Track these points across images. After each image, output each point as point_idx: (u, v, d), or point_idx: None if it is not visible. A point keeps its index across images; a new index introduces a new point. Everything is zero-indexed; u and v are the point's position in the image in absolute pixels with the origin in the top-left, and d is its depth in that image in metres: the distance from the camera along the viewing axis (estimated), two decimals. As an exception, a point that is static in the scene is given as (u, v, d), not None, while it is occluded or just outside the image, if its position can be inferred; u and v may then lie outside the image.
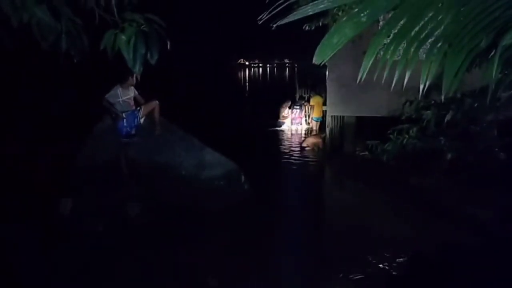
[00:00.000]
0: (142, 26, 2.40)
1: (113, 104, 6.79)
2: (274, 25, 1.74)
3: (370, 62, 1.66)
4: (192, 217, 6.11)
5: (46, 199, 6.23)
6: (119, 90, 6.82)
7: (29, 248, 5.20)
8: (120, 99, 6.82)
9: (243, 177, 7.11)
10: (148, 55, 2.42)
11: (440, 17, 1.74)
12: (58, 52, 2.71)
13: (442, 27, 1.74)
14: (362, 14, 1.59)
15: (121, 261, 5.01)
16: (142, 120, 7.02)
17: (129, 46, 2.38)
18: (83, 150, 7.05)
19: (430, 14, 1.72)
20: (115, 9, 2.46)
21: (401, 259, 4.97)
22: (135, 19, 2.41)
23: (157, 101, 7.22)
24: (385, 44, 1.76)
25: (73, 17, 2.68)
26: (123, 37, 2.39)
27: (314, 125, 13.57)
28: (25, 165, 7.59)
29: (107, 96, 6.78)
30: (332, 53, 1.59)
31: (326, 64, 10.09)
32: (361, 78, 1.64)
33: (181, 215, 6.13)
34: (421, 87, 1.75)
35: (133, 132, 6.91)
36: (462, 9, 1.72)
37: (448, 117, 4.89)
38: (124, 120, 6.84)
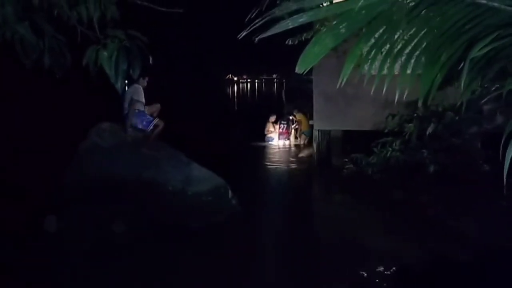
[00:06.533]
0: (124, 42, 2.43)
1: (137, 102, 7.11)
2: (256, 39, 1.78)
3: (349, 70, 1.71)
4: (179, 233, 6.06)
5: (31, 216, 6.14)
6: (140, 88, 7.15)
7: (13, 267, 5.11)
8: (143, 98, 7.20)
9: (230, 193, 7.09)
10: (130, 70, 2.44)
11: (415, 29, 1.79)
12: (41, 68, 2.72)
13: (417, 39, 1.79)
14: (340, 26, 1.64)
15: (106, 280, 4.94)
16: (151, 125, 7.22)
17: (111, 61, 2.39)
18: (69, 168, 6.98)
19: (405, 26, 1.77)
20: (96, 26, 2.48)
21: (387, 273, 4.96)
22: (117, 35, 2.43)
23: (159, 105, 7.38)
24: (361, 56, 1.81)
25: (55, 34, 2.69)
26: (105, 53, 2.42)
27: (303, 139, 13.65)
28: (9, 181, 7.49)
29: (133, 96, 7.07)
30: (314, 62, 1.65)
31: (312, 79, 10.25)
32: (341, 84, 1.69)
33: (167, 232, 6.08)
34: (401, 98, 1.78)
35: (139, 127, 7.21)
36: (437, 19, 1.76)
37: (429, 130, 4.96)
38: (134, 117, 7.11)
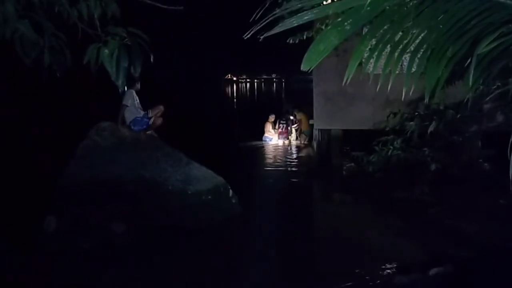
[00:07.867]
0: (125, 40, 2.41)
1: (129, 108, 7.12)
2: (261, 37, 1.77)
3: (355, 68, 1.69)
4: (179, 232, 6.05)
5: (30, 217, 6.12)
6: (133, 93, 7.17)
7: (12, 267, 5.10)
8: (136, 101, 7.21)
9: (230, 191, 7.07)
10: (132, 68, 2.43)
11: (419, 26, 1.77)
12: (40, 67, 2.70)
13: (422, 35, 1.77)
14: (345, 23, 1.63)
15: (105, 280, 4.93)
16: (151, 121, 7.27)
17: (112, 59, 2.38)
18: (68, 168, 6.95)
19: (410, 23, 1.75)
20: (97, 23, 2.46)
21: (388, 272, 4.95)
22: (118, 33, 2.41)
23: (162, 106, 7.42)
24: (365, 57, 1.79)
25: (56, 32, 2.67)
26: (106, 51, 2.40)
27: (303, 138, 13.69)
28: (8, 181, 7.48)
29: (124, 102, 7.09)
30: (319, 60, 1.64)
31: (312, 78, 10.24)
32: (345, 82, 1.68)
33: (167, 231, 6.07)
34: (403, 95, 1.77)
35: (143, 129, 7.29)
36: (441, 17, 1.75)
37: (431, 128, 4.96)
38: (134, 126, 7.18)
